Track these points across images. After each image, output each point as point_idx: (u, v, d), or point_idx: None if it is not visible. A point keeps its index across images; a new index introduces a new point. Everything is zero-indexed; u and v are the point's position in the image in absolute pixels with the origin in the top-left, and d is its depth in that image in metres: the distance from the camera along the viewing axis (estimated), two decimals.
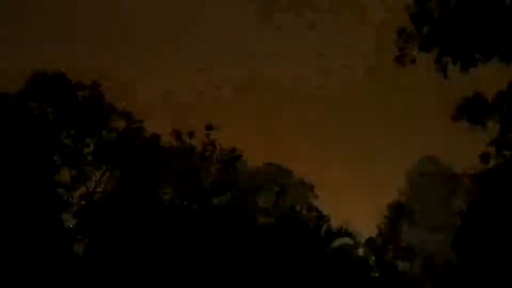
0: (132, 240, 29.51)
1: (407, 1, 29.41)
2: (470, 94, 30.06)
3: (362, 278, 26.20)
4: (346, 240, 27.77)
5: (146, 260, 29.69)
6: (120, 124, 38.16)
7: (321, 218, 27.47)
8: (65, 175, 36.20)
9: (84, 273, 29.37)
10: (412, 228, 79.60)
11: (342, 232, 27.12)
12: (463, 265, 32.59)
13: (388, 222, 66.07)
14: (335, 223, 27.61)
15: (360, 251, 56.24)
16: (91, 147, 36.49)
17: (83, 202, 39.82)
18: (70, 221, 39.07)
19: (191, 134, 40.46)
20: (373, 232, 66.16)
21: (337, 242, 27.37)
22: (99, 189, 39.29)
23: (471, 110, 29.54)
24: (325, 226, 27.59)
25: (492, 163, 30.16)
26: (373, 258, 61.83)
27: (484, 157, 30.43)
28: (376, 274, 29.76)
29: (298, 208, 77.89)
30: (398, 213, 66.37)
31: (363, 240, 57.98)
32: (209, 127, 40.45)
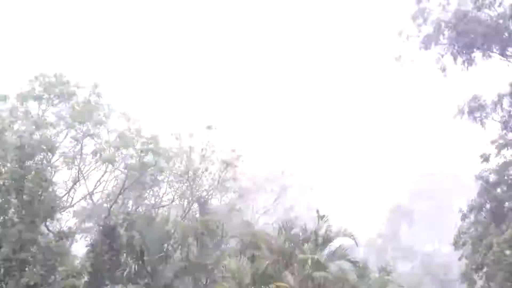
0: (132, 240, 29.48)
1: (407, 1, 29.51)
2: (470, 94, 30.18)
3: (362, 278, 26.09)
4: (346, 240, 27.64)
5: (146, 260, 29.68)
6: (120, 124, 38.19)
7: (321, 218, 27.44)
8: (65, 175, 36.26)
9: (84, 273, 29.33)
10: (412, 228, 79.81)
11: (342, 232, 27.00)
12: (463, 264, 32.58)
13: (388, 222, 66.32)
14: (335, 223, 27.60)
15: (360, 251, 56.35)
16: (91, 147, 36.51)
17: (83, 202, 39.97)
18: (70, 221, 39.21)
19: (191, 134, 40.47)
20: (373, 232, 66.44)
21: (337, 242, 27.23)
22: (99, 189, 39.37)
23: (471, 110, 29.63)
24: (325, 226, 27.46)
25: (492, 163, 30.21)
26: (373, 258, 61.99)
27: (484, 157, 30.47)
28: (376, 274, 29.70)
29: (298, 208, 78.20)
30: (398, 213, 66.58)
31: (363, 240, 58.10)
32: (209, 127, 40.47)
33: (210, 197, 42.38)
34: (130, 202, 37.48)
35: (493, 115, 29.92)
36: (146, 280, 29.14)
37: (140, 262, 29.65)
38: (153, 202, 39.36)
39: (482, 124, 29.77)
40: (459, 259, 32.89)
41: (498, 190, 30.08)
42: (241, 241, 28.75)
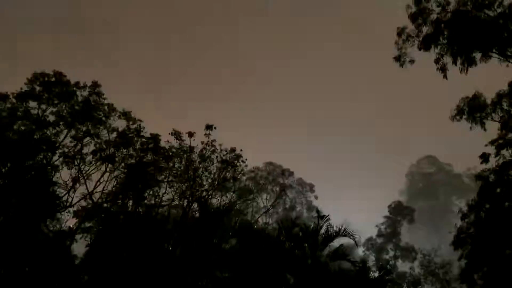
0: (132, 240, 29.50)
1: (407, 1, 29.51)
2: (470, 94, 30.17)
3: (362, 278, 26.12)
4: (346, 240, 27.66)
5: (145, 260, 29.68)
6: (120, 124, 38.18)
7: (321, 218, 27.44)
8: (65, 175, 36.25)
9: (84, 274, 29.37)
10: (412, 228, 79.78)
11: (342, 232, 27.02)
12: (463, 264, 32.58)
13: (388, 222, 66.20)
14: (335, 223, 27.64)
15: (360, 251, 56.34)
16: (91, 147, 36.50)
17: (83, 202, 39.94)
18: (70, 221, 39.17)
19: (191, 134, 40.42)
20: (373, 232, 66.37)
21: (337, 242, 27.26)
22: (99, 189, 39.33)
23: (471, 110, 29.63)
24: (325, 226, 27.47)
25: (492, 163, 30.19)
26: (373, 258, 61.95)
27: (484, 157, 30.46)
28: (376, 274, 29.72)
29: (298, 208, 78.18)
30: (398, 213, 66.47)
31: (363, 240, 58.05)
32: (209, 127, 40.40)
33: (210, 197, 42.33)
34: (130, 202, 37.45)
35: (493, 115, 29.87)
36: (146, 280, 29.17)
37: (140, 262, 29.69)
38: (153, 202, 39.31)
39: (482, 124, 29.73)
40: (459, 259, 32.88)
41: (498, 190, 30.06)
42: (241, 241, 28.80)
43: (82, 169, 36.88)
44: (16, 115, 35.56)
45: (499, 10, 28.04)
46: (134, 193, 36.86)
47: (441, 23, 29.02)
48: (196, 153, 41.39)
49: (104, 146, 36.06)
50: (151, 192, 38.95)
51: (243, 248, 27.66)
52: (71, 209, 37.93)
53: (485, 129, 29.80)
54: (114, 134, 37.15)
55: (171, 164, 40.03)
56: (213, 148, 41.55)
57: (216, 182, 42.76)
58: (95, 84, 38.96)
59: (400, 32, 30.19)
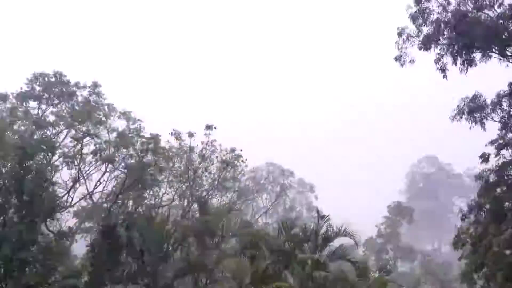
0: (132, 240, 29.48)
1: (407, 1, 29.48)
2: (470, 94, 30.11)
3: (361, 278, 26.12)
4: (346, 240, 27.66)
5: (146, 259, 29.70)
6: (120, 124, 38.19)
7: (321, 218, 27.47)
8: (65, 175, 36.27)
9: (84, 273, 29.36)
10: (412, 228, 79.77)
11: (342, 232, 27.01)
12: (463, 264, 32.55)
13: (388, 222, 66.18)
14: (335, 223, 27.64)
15: (360, 251, 56.31)
16: (91, 147, 36.50)
17: (83, 202, 39.95)
18: (70, 221, 39.17)
19: (191, 134, 40.44)
20: (373, 232, 66.31)
21: (337, 242, 27.26)
22: (99, 189, 39.34)
23: (471, 110, 29.58)
24: (325, 226, 27.47)
25: (492, 163, 30.13)
26: (373, 258, 61.89)
27: (484, 157, 30.41)
28: (376, 274, 29.77)
29: (298, 208, 78.23)
30: (398, 213, 66.45)
31: (363, 240, 58.03)
32: (209, 127, 40.41)
33: (210, 197, 42.34)
34: (130, 202, 37.46)
35: (493, 115, 29.81)
36: (146, 280, 29.16)
37: (140, 262, 29.67)
38: (153, 202, 39.32)
39: (482, 124, 29.67)
40: (459, 259, 32.84)
41: (498, 190, 30.02)
42: (241, 241, 28.79)
43: (82, 169, 36.91)
44: (16, 115, 35.62)
45: (499, 10, 28.01)
46: (134, 193, 36.87)
47: (441, 23, 28.98)
48: (196, 153, 41.43)
49: (104, 146, 36.05)
50: (151, 192, 38.99)
51: (243, 248, 27.67)
52: (71, 209, 38.01)
53: (485, 129, 29.74)
54: (114, 134, 37.15)
55: (171, 164, 40.06)
56: (213, 148, 41.62)
57: (216, 182, 42.81)
58: (95, 84, 39.01)
59: (401, 32, 30.14)
